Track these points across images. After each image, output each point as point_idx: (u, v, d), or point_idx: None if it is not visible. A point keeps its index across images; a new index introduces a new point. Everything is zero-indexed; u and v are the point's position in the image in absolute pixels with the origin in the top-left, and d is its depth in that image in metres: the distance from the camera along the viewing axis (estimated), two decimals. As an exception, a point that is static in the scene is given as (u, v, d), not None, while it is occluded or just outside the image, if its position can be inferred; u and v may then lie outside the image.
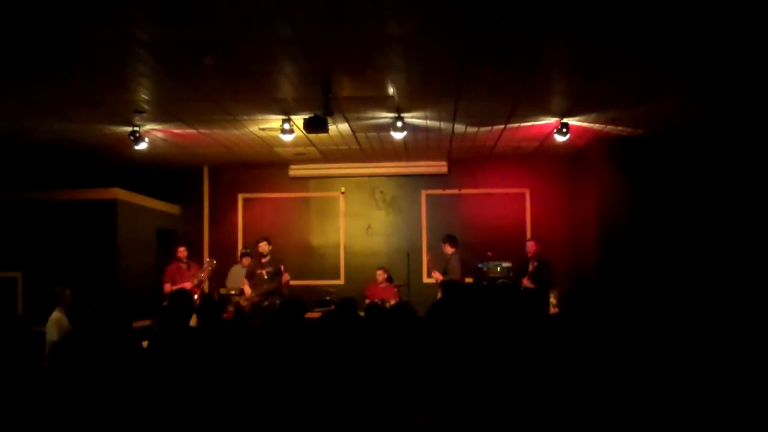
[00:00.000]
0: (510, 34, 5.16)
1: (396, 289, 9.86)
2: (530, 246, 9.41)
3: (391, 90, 6.67)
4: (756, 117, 7.96)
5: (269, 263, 9.31)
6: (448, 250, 9.52)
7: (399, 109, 7.47)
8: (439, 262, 9.63)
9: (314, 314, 7.41)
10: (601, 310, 3.35)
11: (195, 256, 10.73)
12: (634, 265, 8.98)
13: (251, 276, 9.28)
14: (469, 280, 9.78)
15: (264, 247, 9.40)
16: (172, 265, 9.11)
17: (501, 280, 9.58)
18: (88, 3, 4.38)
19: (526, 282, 9.11)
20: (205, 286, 9.13)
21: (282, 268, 9.16)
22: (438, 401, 2.91)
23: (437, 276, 9.37)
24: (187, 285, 8.71)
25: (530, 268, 9.26)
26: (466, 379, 3.04)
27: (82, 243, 9.14)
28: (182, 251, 9.06)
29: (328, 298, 9.64)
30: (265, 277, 9.14)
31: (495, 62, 5.86)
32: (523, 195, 11.10)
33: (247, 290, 9.13)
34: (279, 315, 4.29)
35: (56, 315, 7.00)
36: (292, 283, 9.46)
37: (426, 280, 10.60)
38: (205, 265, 9.28)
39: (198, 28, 4.90)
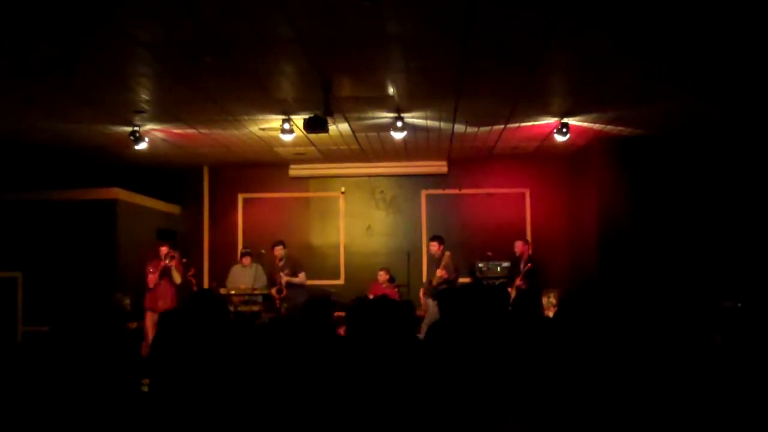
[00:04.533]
0: (510, 34, 5.16)
1: (397, 289, 9.87)
2: (518, 246, 9.44)
3: (391, 90, 6.67)
4: (756, 117, 7.96)
5: (285, 266, 9.58)
6: (439, 249, 9.46)
7: (399, 109, 7.47)
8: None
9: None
10: (601, 310, 3.35)
11: (195, 256, 10.76)
12: (634, 265, 8.98)
13: (270, 281, 9.54)
14: (466, 279, 9.76)
15: (279, 251, 9.62)
16: (152, 261, 9.09)
17: (501, 280, 9.60)
18: (88, 3, 4.38)
19: (518, 282, 9.13)
20: (176, 276, 9.12)
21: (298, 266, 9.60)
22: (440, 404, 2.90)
23: (442, 274, 9.29)
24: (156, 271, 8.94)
25: (521, 267, 9.27)
26: (469, 381, 3.04)
27: (82, 243, 9.13)
28: (163, 249, 9.07)
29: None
30: (285, 280, 9.46)
31: (495, 62, 5.86)
32: (523, 195, 11.10)
33: (275, 295, 9.38)
34: (306, 312, 4.28)
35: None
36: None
37: (426, 280, 10.59)
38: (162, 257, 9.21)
39: (198, 28, 4.90)
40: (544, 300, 9.44)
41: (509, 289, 9.20)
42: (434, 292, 9.00)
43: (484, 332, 3.59)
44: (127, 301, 7.41)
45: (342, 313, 9.04)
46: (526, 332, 3.78)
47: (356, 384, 2.97)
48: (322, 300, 4.58)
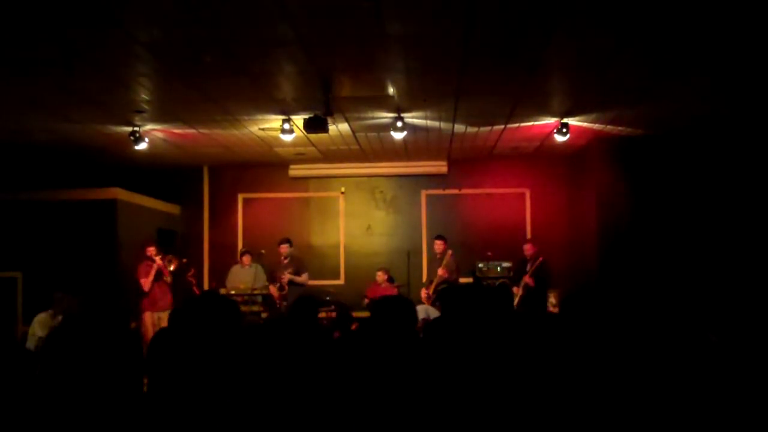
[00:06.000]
0: (510, 34, 5.16)
1: (396, 289, 9.87)
2: (527, 248, 9.43)
3: (391, 90, 6.67)
4: (756, 117, 7.96)
5: (290, 264, 9.60)
6: (442, 247, 9.49)
7: (399, 109, 7.47)
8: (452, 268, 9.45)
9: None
10: (601, 310, 3.35)
11: (195, 256, 10.77)
12: (634, 265, 8.98)
13: (272, 279, 9.59)
14: (466, 279, 9.76)
15: (285, 249, 9.67)
16: (143, 263, 9.06)
17: (501, 280, 9.59)
18: (88, 3, 4.38)
19: (527, 279, 9.12)
20: (167, 277, 9.13)
21: (301, 265, 9.66)
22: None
23: (443, 273, 9.29)
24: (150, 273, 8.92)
25: (529, 267, 9.27)
26: (464, 380, 3.04)
27: (82, 243, 9.13)
28: (151, 250, 9.07)
29: (327, 298, 9.66)
30: (287, 278, 9.49)
31: (495, 62, 5.86)
32: (523, 195, 11.10)
33: (276, 293, 9.44)
34: (292, 310, 4.31)
35: (43, 316, 7.49)
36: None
37: (426, 280, 10.59)
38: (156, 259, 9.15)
39: (198, 28, 4.90)
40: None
41: (516, 288, 9.22)
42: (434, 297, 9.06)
43: (485, 332, 3.59)
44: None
45: (333, 314, 9.09)
46: (531, 331, 3.78)
47: (358, 382, 2.97)
48: (308, 299, 4.60)
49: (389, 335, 3.27)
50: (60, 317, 7.40)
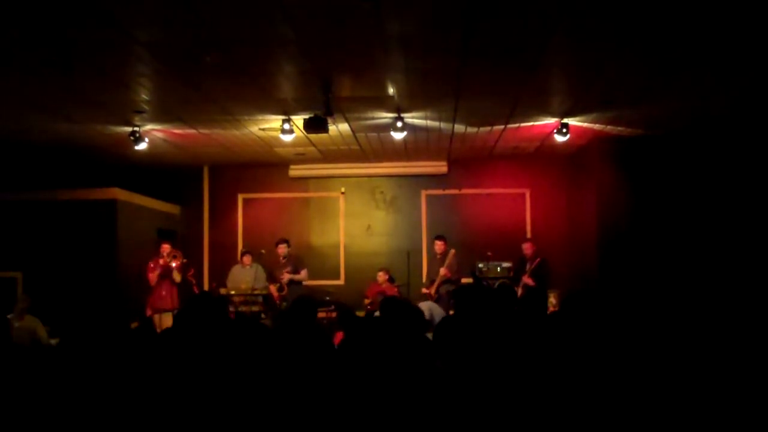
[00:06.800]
0: (510, 34, 5.16)
1: (396, 289, 9.88)
2: (527, 247, 9.43)
3: (391, 90, 6.67)
4: (756, 118, 7.96)
5: (288, 263, 9.64)
6: (443, 247, 9.51)
7: (399, 109, 7.47)
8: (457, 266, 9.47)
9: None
10: (601, 310, 3.35)
11: (195, 256, 10.76)
12: (635, 264, 8.98)
13: (272, 279, 9.62)
14: (466, 279, 9.76)
15: (283, 249, 9.71)
16: (153, 259, 9.10)
17: (501, 280, 9.58)
18: (88, 3, 4.38)
19: (526, 279, 9.12)
20: (176, 275, 9.14)
21: (300, 265, 9.73)
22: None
23: (445, 273, 9.29)
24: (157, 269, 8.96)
25: (528, 266, 9.28)
26: (464, 379, 3.04)
27: (82, 243, 9.13)
28: (166, 247, 9.10)
29: (327, 298, 9.66)
30: (286, 278, 9.52)
31: (495, 62, 5.86)
32: (523, 195, 11.10)
33: (276, 293, 9.47)
34: (291, 312, 4.30)
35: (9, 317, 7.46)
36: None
37: (426, 280, 10.58)
38: (165, 255, 9.18)
39: (198, 28, 4.90)
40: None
41: (515, 288, 9.22)
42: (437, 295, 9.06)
43: (492, 330, 3.60)
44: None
45: (333, 314, 9.09)
46: (531, 331, 3.79)
47: (364, 380, 2.97)
48: (306, 299, 4.59)
49: (398, 335, 3.28)
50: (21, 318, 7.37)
